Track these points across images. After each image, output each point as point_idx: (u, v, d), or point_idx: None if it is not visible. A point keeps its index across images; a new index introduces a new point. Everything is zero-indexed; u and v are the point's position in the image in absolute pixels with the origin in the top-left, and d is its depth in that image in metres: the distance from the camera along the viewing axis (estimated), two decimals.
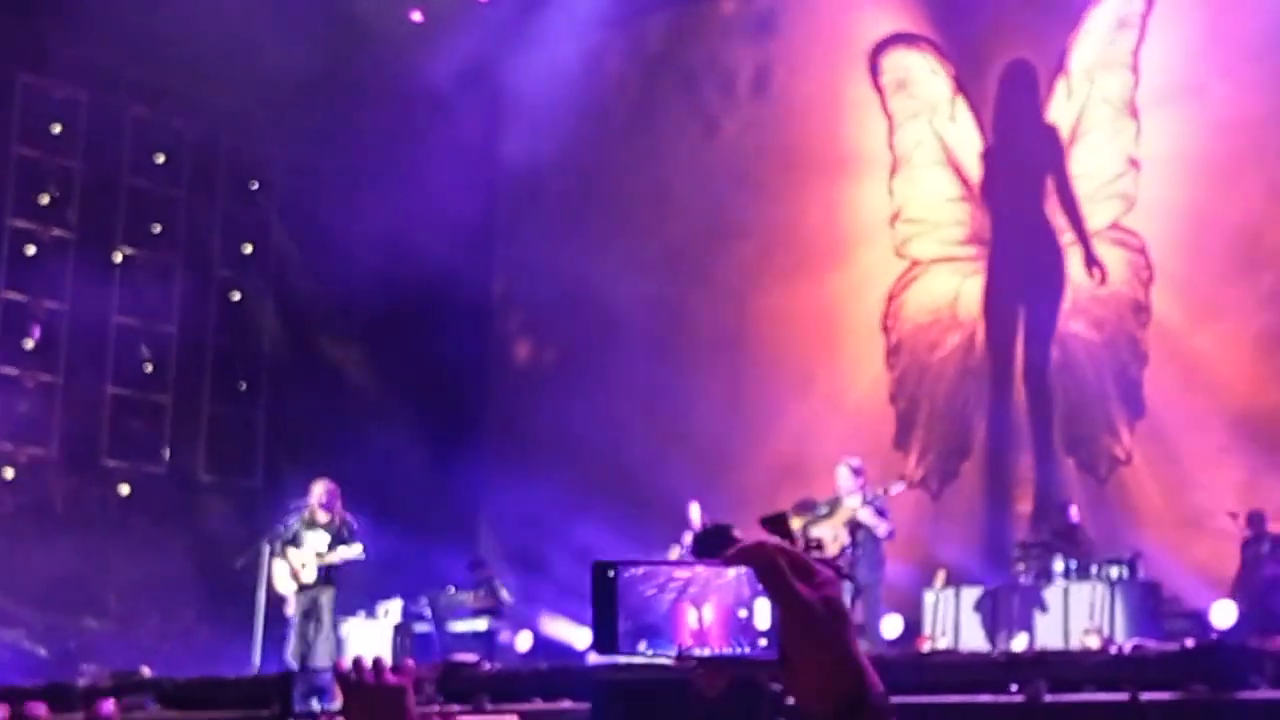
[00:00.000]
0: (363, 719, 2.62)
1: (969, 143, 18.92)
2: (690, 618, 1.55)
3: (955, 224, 18.83)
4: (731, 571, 1.57)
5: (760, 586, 1.56)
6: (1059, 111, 18.18)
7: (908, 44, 19.40)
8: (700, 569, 1.57)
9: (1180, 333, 17.02)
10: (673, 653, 1.55)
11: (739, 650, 1.55)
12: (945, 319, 18.67)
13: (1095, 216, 17.67)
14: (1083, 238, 17.73)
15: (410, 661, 2.75)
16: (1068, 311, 17.73)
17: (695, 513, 15.94)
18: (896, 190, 19.28)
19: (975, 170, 18.83)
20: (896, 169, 19.31)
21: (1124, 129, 17.66)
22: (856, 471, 14.59)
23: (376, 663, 2.65)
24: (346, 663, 2.68)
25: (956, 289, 18.66)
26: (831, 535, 14.34)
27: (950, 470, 18.22)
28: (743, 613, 1.56)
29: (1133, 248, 17.38)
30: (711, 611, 1.55)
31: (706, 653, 1.55)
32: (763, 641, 1.55)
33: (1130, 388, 17.17)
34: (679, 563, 1.60)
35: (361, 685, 2.61)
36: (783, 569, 1.56)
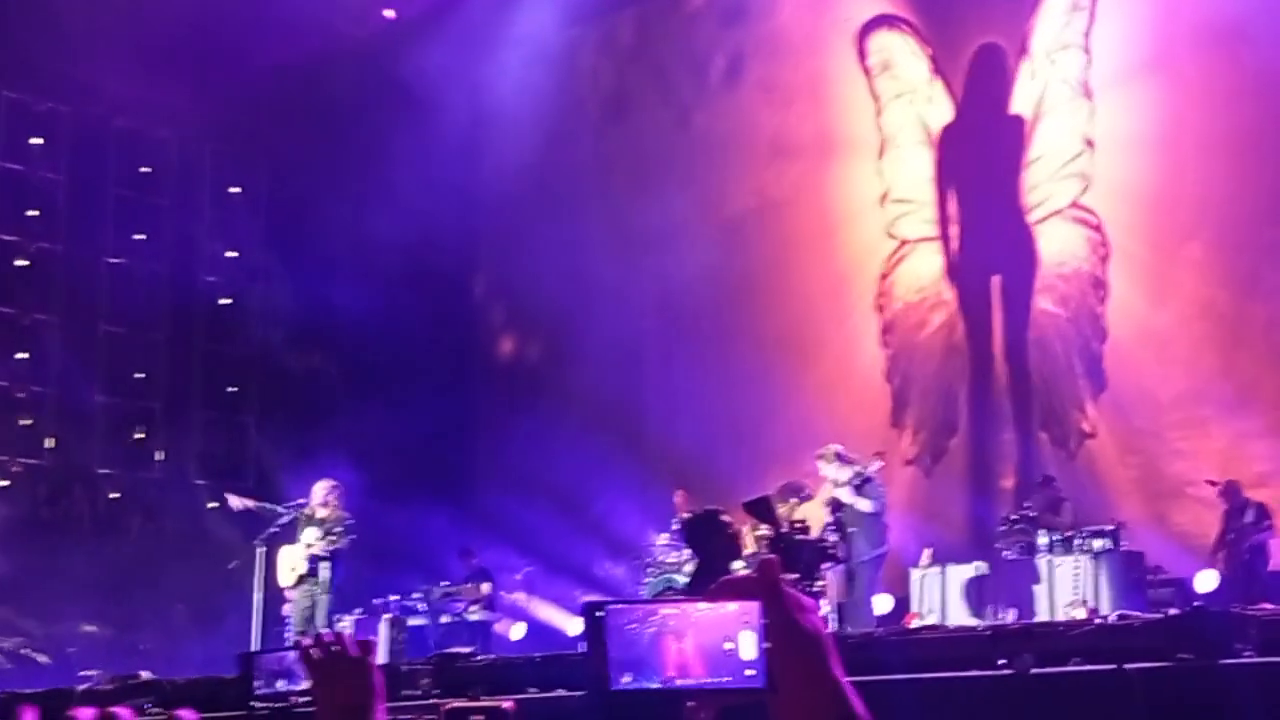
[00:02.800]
0: (330, 693, 2.59)
1: (944, 124, 19.07)
2: (673, 650, 1.62)
3: (936, 204, 18.99)
4: (710, 606, 1.63)
5: (746, 619, 1.61)
6: (1024, 93, 18.35)
7: (890, 25, 19.53)
8: (684, 604, 1.64)
9: (1139, 306, 17.21)
10: (657, 684, 1.62)
11: (721, 681, 1.61)
12: (931, 298, 18.83)
13: (1056, 196, 17.90)
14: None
15: (374, 638, 2.79)
16: (1037, 289, 17.91)
17: (680, 501, 16.08)
18: (885, 170, 19.42)
19: (949, 151, 18.98)
20: (884, 149, 19.45)
21: (1080, 109, 17.87)
22: (837, 456, 14.61)
23: (339, 636, 2.63)
24: (309, 640, 2.67)
25: (939, 267, 18.82)
26: (814, 516, 14.44)
27: (940, 448, 18.38)
28: (728, 644, 1.61)
29: (1091, 225, 17.62)
30: (692, 644, 1.62)
31: (691, 683, 1.62)
32: (749, 672, 1.61)
33: (1093, 362, 17.37)
34: (668, 600, 1.66)
35: (326, 660, 2.59)
36: (787, 591, 1.63)
